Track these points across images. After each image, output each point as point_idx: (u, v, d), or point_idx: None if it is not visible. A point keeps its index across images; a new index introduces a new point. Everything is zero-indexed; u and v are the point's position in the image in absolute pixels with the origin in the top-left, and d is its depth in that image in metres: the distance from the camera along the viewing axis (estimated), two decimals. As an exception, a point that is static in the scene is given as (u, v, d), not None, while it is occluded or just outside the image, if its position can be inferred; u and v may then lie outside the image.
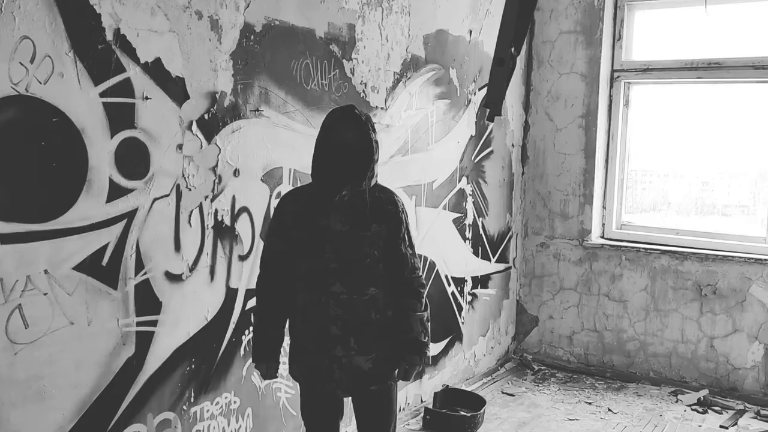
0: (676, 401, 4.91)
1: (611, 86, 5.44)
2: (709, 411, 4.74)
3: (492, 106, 2.87)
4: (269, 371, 2.72)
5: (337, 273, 2.56)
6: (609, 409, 4.73)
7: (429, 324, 2.72)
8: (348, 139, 2.54)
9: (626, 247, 5.34)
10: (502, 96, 2.87)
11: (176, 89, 2.83)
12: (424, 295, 2.71)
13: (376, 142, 2.58)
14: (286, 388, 3.54)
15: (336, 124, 2.56)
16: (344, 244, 2.56)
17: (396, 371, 2.69)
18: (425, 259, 4.52)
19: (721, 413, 4.71)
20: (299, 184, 3.47)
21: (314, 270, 2.58)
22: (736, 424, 4.50)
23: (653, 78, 5.32)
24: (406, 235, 2.68)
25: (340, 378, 2.60)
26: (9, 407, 2.36)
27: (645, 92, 5.51)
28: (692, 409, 4.76)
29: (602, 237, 5.56)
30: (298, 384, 2.87)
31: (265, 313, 2.71)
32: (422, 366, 2.73)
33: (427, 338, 2.70)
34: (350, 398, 2.76)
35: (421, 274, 2.72)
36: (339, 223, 2.56)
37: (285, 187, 3.43)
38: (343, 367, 2.59)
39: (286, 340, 2.80)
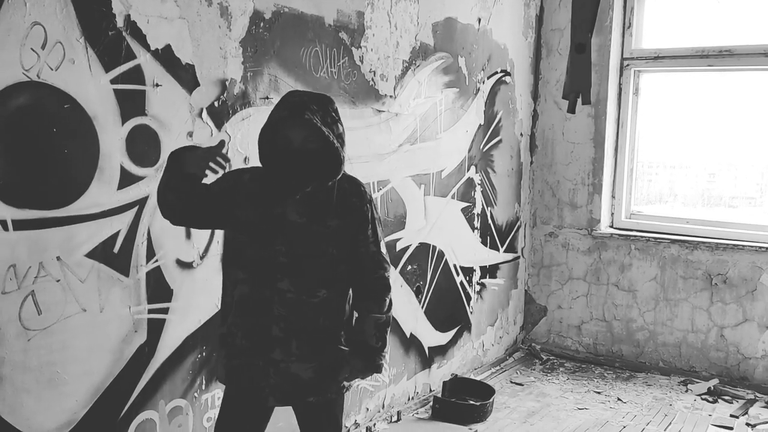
0: (686, 391, 4.90)
1: (621, 74, 5.41)
2: (719, 400, 4.72)
3: (582, 95, 2.82)
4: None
5: (287, 269, 2.27)
6: (618, 399, 4.73)
7: (387, 330, 2.42)
8: (301, 148, 2.24)
9: (636, 236, 5.32)
10: (589, 83, 2.82)
11: (186, 76, 2.82)
12: (388, 297, 2.42)
13: (340, 136, 2.28)
14: (296, 377, 3.54)
15: (282, 128, 2.25)
16: (298, 237, 2.28)
17: (341, 382, 2.41)
18: (434, 248, 4.52)
19: (732, 402, 4.70)
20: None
21: (260, 261, 2.29)
22: (746, 413, 4.48)
23: (664, 66, 5.29)
24: (370, 232, 2.38)
25: (275, 384, 2.31)
26: (23, 393, 2.37)
27: (654, 81, 5.47)
28: (702, 399, 4.75)
29: (611, 226, 5.54)
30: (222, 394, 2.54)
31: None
32: (370, 375, 2.46)
33: (380, 344, 2.39)
34: (293, 411, 2.51)
35: (387, 274, 2.43)
36: (296, 214, 2.29)
37: (295, 176, 3.42)
38: (279, 373, 2.30)
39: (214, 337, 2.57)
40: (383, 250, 2.42)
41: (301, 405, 2.41)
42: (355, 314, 2.46)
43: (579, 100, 2.99)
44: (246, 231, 2.31)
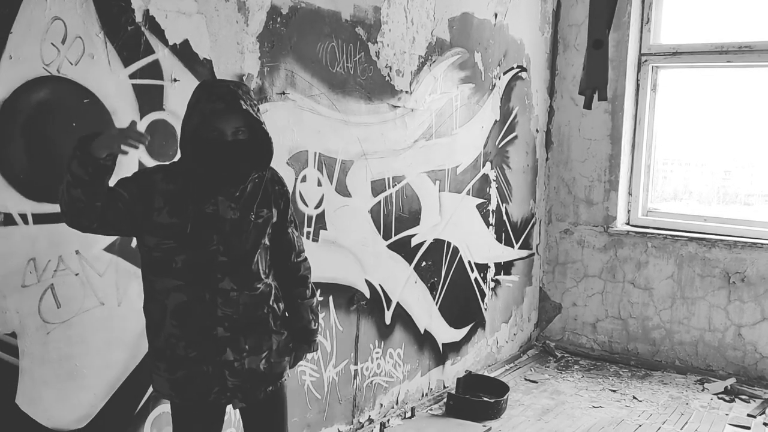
0: (703, 390, 4.87)
1: (638, 70, 5.37)
2: (736, 400, 4.69)
3: (598, 91, 2.79)
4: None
5: (227, 267, 2.20)
6: (634, 397, 4.70)
7: (318, 309, 2.56)
8: (233, 140, 2.15)
9: (652, 233, 5.28)
10: (605, 79, 2.80)
11: (204, 71, 2.83)
12: (310, 280, 2.50)
13: (263, 122, 2.21)
14: (310, 371, 3.55)
15: (217, 121, 2.13)
16: (235, 233, 2.21)
17: (286, 366, 2.42)
18: (448, 244, 4.51)
19: (749, 402, 4.65)
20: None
21: (197, 264, 2.17)
22: (764, 412, 4.44)
23: (682, 62, 5.24)
24: (291, 216, 2.43)
25: (236, 385, 2.24)
26: (42, 385, 2.39)
27: (672, 77, 5.43)
28: (719, 398, 4.71)
29: (628, 224, 5.50)
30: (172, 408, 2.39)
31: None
32: (311, 352, 2.57)
33: (316, 325, 2.52)
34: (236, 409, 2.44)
35: (305, 256, 2.49)
36: (229, 210, 2.20)
37: (310, 171, 3.43)
38: (237, 373, 2.24)
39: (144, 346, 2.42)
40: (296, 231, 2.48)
41: (253, 400, 2.34)
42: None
43: (595, 96, 2.97)
44: (173, 236, 2.15)
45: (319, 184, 3.49)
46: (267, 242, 2.31)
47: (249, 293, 2.25)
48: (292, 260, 2.45)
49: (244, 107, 2.11)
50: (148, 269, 2.23)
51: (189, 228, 2.15)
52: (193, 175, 2.17)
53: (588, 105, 2.86)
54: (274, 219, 2.33)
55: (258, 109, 2.19)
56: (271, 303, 2.33)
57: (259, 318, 2.29)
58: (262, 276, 2.30)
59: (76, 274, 2.45)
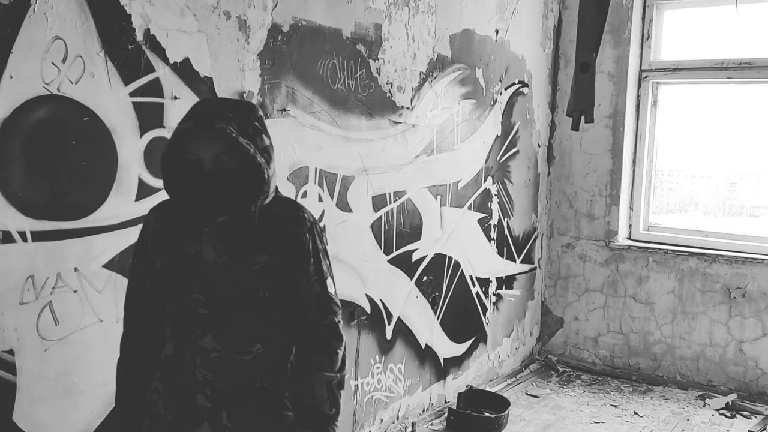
0: (704, 405, 4.85)
1: (639, 86, 5.38)
2: (737, 415, 4.66)
3: (585, 113, 2.82)
4: None
5: (208, 322, 1.81)
6: (635, 413, 4.68)
7: (341, 392, 1.89)
8: (214, 169, 1.76)
9: (653, 248, 5.27)
10: (592, 101, 2.81)
11: (205, 89, 2.85)
12: (341, 350, 1.90)
13: (266, 150, 1.80)
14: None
15: (189, 143, 1.77)
16: (219, 281, 1.80)
17: None
18: (450, 259, 4.51)
19: (750, 418, 4.63)
20: (335, 186, 3.48)
21: (178, 315, 1.85)
22: (765, 428, 4.42)
23: (682, 78, 5.25)
24: (312, 268, 1.87)
25: None
26: (39, 402, 2.39)
27: (673, 92, 5.44)
28: (720, 414, 4.69)
29: (629, 238, 5.50)
30: None
31: (135, 384, 1.96)
32: None
33: (334, 410, 1.87)
34: None
35: (338, 319, 1.91)
36: (213, 252, 1.81)
37: (311, 187, 3.44)
38: None
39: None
40: (331, 290, 1.91)
41: None
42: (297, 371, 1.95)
43: (582, 118, 2.99)
44: (162, 281, 1.87)
45: (320, 199, 3.50)
46: (268, 296, 1.84)
47: (237, 356, 1.82)
48: (313, 323, 1.88)
49: (218, 126, 1.71)
50: (153, 316, 1.96)
51: (171, 271, 1.84)
52: (180, 209, 1.86)
53: (575, 127, 2.88)
54: (279, 268, 1.83)
55: (253, 130, 1.78)
56: (270, 374, 1.86)
57: (252, 390, 1.84)
58: (259, 337, 1.85)
59: (75, 291, 2.46)
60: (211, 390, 1.82)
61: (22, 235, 2.30)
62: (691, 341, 5.15)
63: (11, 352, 2.31)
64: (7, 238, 2.27)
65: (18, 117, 2.26)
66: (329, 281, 1.92)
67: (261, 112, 1.87)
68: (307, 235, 1.87)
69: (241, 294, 1.82)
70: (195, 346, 1.82)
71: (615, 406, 4.79)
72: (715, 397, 4.93)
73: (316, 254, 1.89)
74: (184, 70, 2.76)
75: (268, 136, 1.84)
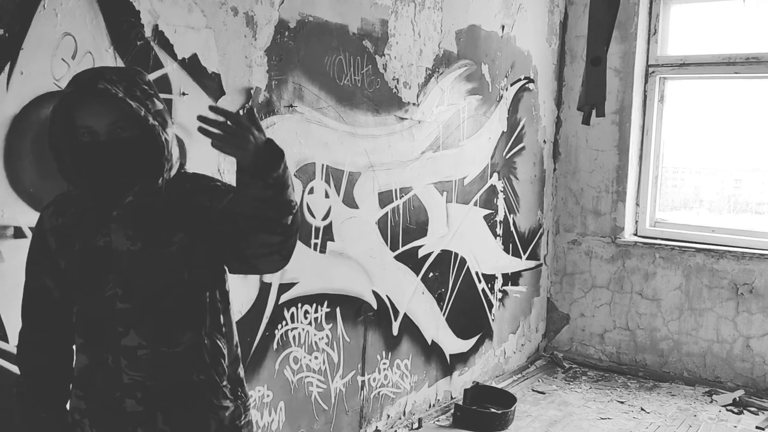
0: (711, 401, 4.84)
1: (646, 81, 5.37)
2: (744, 412, 4.66)
3: (596, 107, 2.81)
4: None
5: (130, 317, 1.64)
6: (642, 409, 4.68)
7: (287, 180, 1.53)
8: (111, 139, 1.59)
9: (660, 244, 5.27)
10: (603, 96, 2.81)
11: (212, 85, 2.86)
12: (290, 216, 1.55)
13: (160, 114, 1.64)
14: (317, 382, 3.56)
15: (78, 110, 1.60)
16: (137, 270, 1.64)
17: None
18: (456, 255, 4.51)
19: (757, 414, 4.63)
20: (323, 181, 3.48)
21: (92, 316, 1.68)
22: (772, 425, 4.42)
23: (689, 73, 5.24)
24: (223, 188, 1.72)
25: None
26: (50, 397, 2.40)
27: (679, 87, 5.43)
28: (727, 410, 4.69)
29: (635, 234, 5.49)
30: None
31: (35, 392, 1.77)
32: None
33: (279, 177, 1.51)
34: None
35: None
36: (125, 239, 1.63)
37: (318, 183, 3.45)
38: None
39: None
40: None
41: None
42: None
43: (594, 113, 2.99)
44: (69, 281, 1.69)
45: (327, 195, 3.50)
46: (190, 276, 1.66)
47: (168, 350, 1.66)
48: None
49: (101, 86, 1.55)
50: (65, 326, 1.78)
51: (77, 268, 1.67)
52: (82, 199, 1.69)
53: (586, 121, 2.88)
54: (198, 242, 1.66)
55: (142, 93, 1.61)
56: (206, 365, 1.70)
57: (188, 385, 1.68)
58: (189, 325, 1.68)
59: (85, 287, 2.47)
60: (143, 392, 1.65)
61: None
62: (698, 337, 5.14)
63: (22, 346, 2.31)
64: (19, 233, 2.28)
65: (28, 113, 2.27)
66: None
67: (149, 77, 1.69)
68: (213, 180, 1.76)
69: (161, 280, 1.64)
70: (117, 347, 1.65)
71: (622, 403, 4.79)
72: (722, 393, 4.92)
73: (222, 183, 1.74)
74: (192, 66, 2.77)
75: (161, 101, 1.67)
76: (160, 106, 1.65)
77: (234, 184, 1.55)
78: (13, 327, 2.28)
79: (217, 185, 1.73)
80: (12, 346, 2.29)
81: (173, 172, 1.68)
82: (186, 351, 1.68)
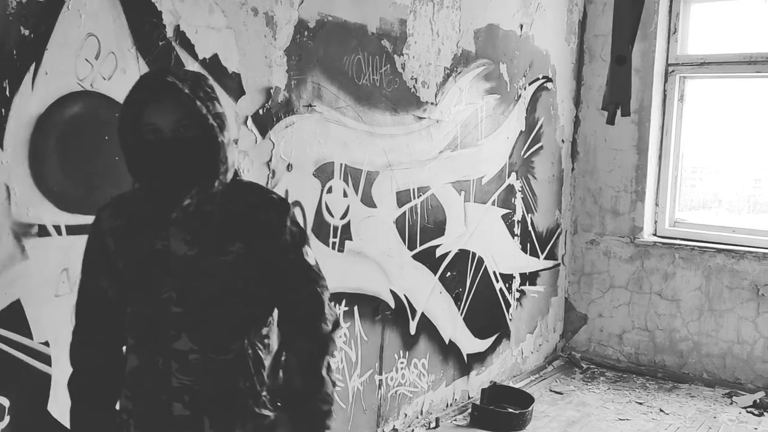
0: (731, 403, 4.80)
1: (665, 80, 5.33)
2: (765, 413, 4.62)
3: (621, 107, 2.81)
4: None
5: (183, 321, 1.67)
6: (661, 410, 4.65)
7: (332, 378, 1.78)
8: (175, 137, 1.62)
9: (680, 245, 5.23)
10: (628, 95, 2.80)
11: (232, 85, 2.87)
12: (328, 327, 1.76)
13: (218, 116, 1.66)
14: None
15: (144, 104, 1.63)
16: (193, 276, 1.67)
17: None
18: (473, 255, 4.51)
19: (778, 416, 4.59)
20: (343, 182, 3.50)
21: (146, 318, 1.70)
22: (794, 427, 4.38)
23: (710, 72, 5.20)
24: (292, 247, 1.74)
25: None
26: (73, 393, 2.44)
27: (699, 86, 5.38)
28: (747, 412, 4.65)
29: (655, 234, 5.46)
30: None
31: (92, 401, 1.79)
32: None
33: (329, 407, 1.78)
34: None
35: (321, 290, 1.77)
36: (183, 244, 1.67)
37: (336, 182, 3.46)
38: None
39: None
40: (311, 260, 1.78)
41: None
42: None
43: (618, 112, 2.97)
44: (126, 282, 1.72)
45: (345, 195, 3.52)
46: (244, 287, 1.71)
47: (217, 357, 1.69)
48: (318, 328, 1.74)
49: (169, 79, 1.61)
50: (117, 324, 1.79)
51: (135, 270, 1.69)
52: (143, 200, 1.72)
53: (611, 120, 2.86)
54: (256, 257, 1.70)
55: (205, 95, 1.66)
56: (251, 373, 1.73)
57: (235, 392, 1.71)
58: (239, 334, 1.71)
59: (107, 284, 2.50)
60: (191, 396, 1.67)
61: (57, 228, 2.34)
62: (718, 338, 5.10)
63: (47, 343, 2.35)
64: (43, 231, 2.31)
65: (53, 113, 2.30)
66: (306, 249, 1.77)
67: (211, 81, 1.75)
68: (287, 220, 1.73)
69: (216, 288, 1.67)
70: (169, 350, 1.67)
71: (640, 404, 4.77)
72: (743, 394, 4.88)
73: (293, 235, 1.74)
74: (213, 66, 2.79)
75: (221, 105, 1.69)
76: (220, 109, 1.67)
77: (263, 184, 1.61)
78: (37, 324, 2.32)
79: (282, 224, 1.73)
80: (36, 342, 2.32)
81: (229, 176, 1.70)
82: (234, 359, 1.70)
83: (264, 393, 1.75)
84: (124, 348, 1.80)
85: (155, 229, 1.68)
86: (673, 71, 5.31)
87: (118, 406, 1.79)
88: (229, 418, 1.70)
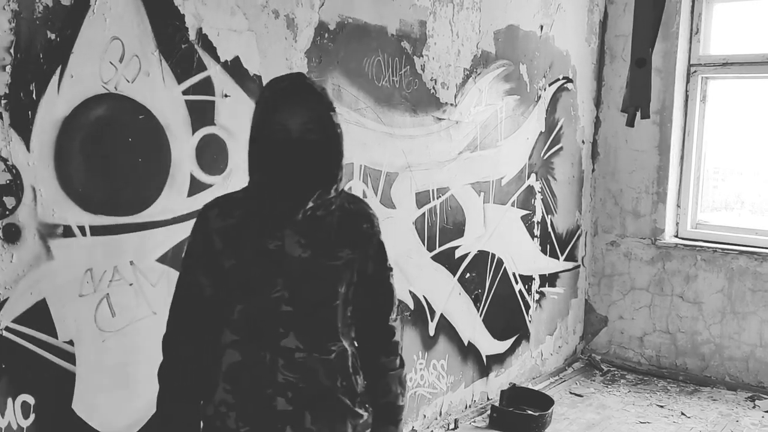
0: (754, 407, 4.75)
1: (687, 81, 5.28)
2: (789, 418, 4.56)
3: (641, 109, 2.80)
4: None
5: (292, 320, 1.75)
6: (682, 413, 4.61)
7: (407, 382, 1.99)
8: (302, 129, 1.69)
9: (702, 247, 5.18)
10: (648, 97, 2.79)
11: (254, 87, 2.90)
12: (401, 346, 1.96)
13: (338, 125, 1.75)
14: (355, 382, 3.59)
15: (281, 104, 1.70)
16: (304, 277, 1.75)
17: None
18: (493, 256, 4.50)
19: (803, 421, 4.53)
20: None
21: (256, 315, 1.76)
22: (818, 432, 4.32)
23: (732, 72, 5.14)
24: (387, 265, 1.91)
25: None
26: (97, 392, 2.47)
27: (722, 87, 5.33)
28: (771, 416, 4.60)
29: (676, 236, 5.41)
30: None
31: (179, 391, 1.83)
32: None
33: (404, 401, 1.94)
34: None
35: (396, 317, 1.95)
36: (298, 246, 1.75)
37: (356, 183, 3.47)
38: None
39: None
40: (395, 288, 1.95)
41: None
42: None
43: (638, 114, 2.96)
44: (234, 280, 1.77)
45: (364, 195, 3.52)
46: (346, 292, 1.82)
47: (320, 356, 1.77)
48: (388, 323, 1.90)
49: (308, 81, 1.73)
50: (204, 320, 1.84)
51: (248, 268, 1.75)
52: (255, 203, 1.78)
53: (631, 123, 2.85)
54: (358, 264, 1.83)
55: (332, 110, 1.75)
56: (348, 373, 1.83)
57: (333, 390, 1.80)
58: (339, 336, 1.81)
59: (130, 284, 2.53)
60: (294, 392, 1.75)
61: (82, 229, 2.38)
62: (740, 341, 5.04)
63: (71, 342, 2.39)
64: (68, 232, 2.34)
65: (78, 115, 2.33)
66: (393, 279, 1.94)
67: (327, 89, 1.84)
68: (379, 234, 1.90)
69: (326, 290, 1.77)
70: (276, 347, 1.74)
71: (661, 407, 4.73)
72: (765, 398, 4.82)
73: (380, 244, 1.90)
74: (235, 68, 2.81)
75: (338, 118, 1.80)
76: (338, 120, 1.76)
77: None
78: (62, 323, 2.36)
79: (377, 234, 1.89)
80: (61, 341, 2.36)
81: (340, 186, 1.79)
82: (336, 358, 1.80)
83: (360, 393, 1.86)
84: (214, 343, 1.82)
85: (270, 229, 1.75)
86: (695, 72, 5.26)
87: (215, 399, 1.81)
88: (329, 416, 1.79)
